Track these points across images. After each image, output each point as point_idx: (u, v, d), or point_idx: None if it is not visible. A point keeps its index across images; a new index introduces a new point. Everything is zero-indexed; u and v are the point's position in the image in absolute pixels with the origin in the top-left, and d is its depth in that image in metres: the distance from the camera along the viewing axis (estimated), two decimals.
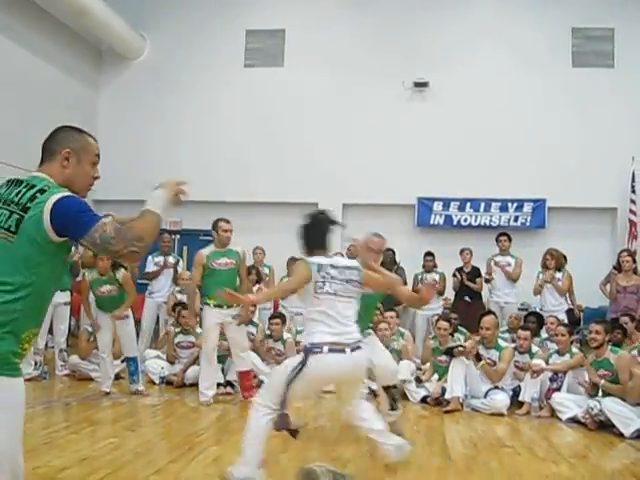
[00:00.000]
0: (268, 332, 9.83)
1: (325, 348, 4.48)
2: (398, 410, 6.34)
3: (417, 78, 14.25)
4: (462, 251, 11.92)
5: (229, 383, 8.80)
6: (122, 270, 8.76)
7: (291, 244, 13.52)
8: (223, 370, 8.98)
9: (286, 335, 9.78)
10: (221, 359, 9.00)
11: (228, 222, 8.42)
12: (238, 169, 14.47)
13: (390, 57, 14.39)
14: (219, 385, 8.63)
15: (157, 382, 9.25)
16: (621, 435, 6.73)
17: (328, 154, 14.24)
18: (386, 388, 6.41)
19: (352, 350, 4.55)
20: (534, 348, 8.69)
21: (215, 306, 8.14)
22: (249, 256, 10.46)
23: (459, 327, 9.68)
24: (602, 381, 7.32)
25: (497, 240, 11.50)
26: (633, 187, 13.38)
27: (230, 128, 14.73)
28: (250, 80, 14.87)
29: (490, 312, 9.30)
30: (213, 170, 14.45)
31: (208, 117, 14.91)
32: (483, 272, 11.60)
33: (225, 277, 8.19)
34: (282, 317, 10.03)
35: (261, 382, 9.14)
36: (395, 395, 6.44)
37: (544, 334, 9.53)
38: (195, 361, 9.18)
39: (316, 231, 4.98)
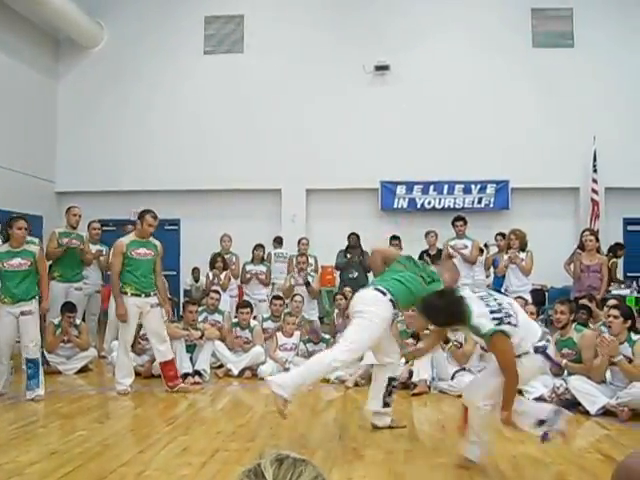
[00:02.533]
0: (235, 320, 9.81)
1: None
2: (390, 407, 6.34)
3: (378, 61, 14.29)
4: (427, 234, 11.94)
5: (197, 372, 8.77)
6: (37, 245, 8.30)
7: (255, 230, 13.64)
8: (192, 359, 8.94)
9: (253, 323, 9.78)
10: (190, 349, 8.99)
11: (155, 218, 8.25)
12: (201, 157, 14.44)
13: (350, 41, 14.41)
14: (187, 375, 8.60)
15: None
16: (587, 413, 6.80)
17: (290, 140, 14.26)
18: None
19: None
20: None
21: (133, 295, 8.09)
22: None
23: None
24: (564, 361, 7.40)
25: (453, 224, 11.49)
26: (595, 166, 13.54)
27: (191, 116, 14.66)
28: (210, 67, 14.80)
29: None
30: (177, 159, 14.41)
31: (169, 105, 14.80)
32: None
33: (144, 267, 8.16)
34: (250, 306, 10.03)
35: (228, 370, 9.21)
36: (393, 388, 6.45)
37: None
38: None
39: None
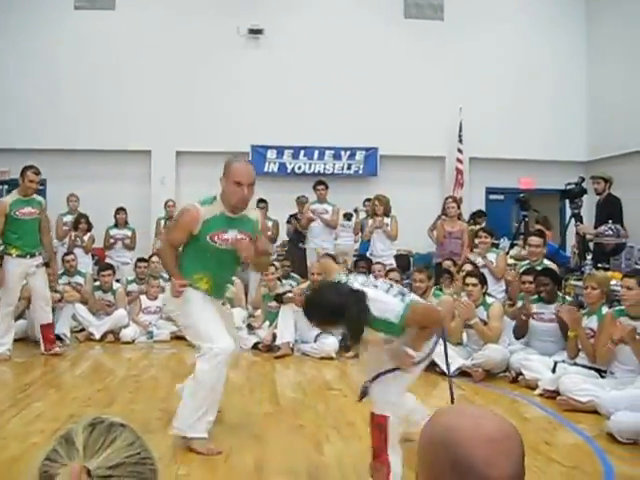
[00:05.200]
0: (97, 284, 9.60)
1: None
2: None
3: (252, 25, 14.11)
4: (298, 198, 12.07)
5: (57, 337, 8.55)
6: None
7: (124, 193, 13.35)
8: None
9: (116, 285, 9.62)
10: None
11: (37, 173, 7.98)
12: (69, 115, 13.84)
13: (226, 2, 14.17)
14: None
15: None
16: (443, 373, 6.99)
17: (161, 101, 13.91)
18: None
19: None
20: None
21: (18, 256, 7.87)
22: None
23: (291, 274, 9.75)
24: None
25: (315, 188, 11.61)
26: (460, 137, 13.92)
27: (59, 74, 14.01)
28: (80, 23, 14.17)
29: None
30: (39, 117, 13.79)
31: (35, 62, 14.04)
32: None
33: (28, 227, 7.94)
34: (112, 268, 9.87)
35: (90, 334, 9.05)
36: None
37: None
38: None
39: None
